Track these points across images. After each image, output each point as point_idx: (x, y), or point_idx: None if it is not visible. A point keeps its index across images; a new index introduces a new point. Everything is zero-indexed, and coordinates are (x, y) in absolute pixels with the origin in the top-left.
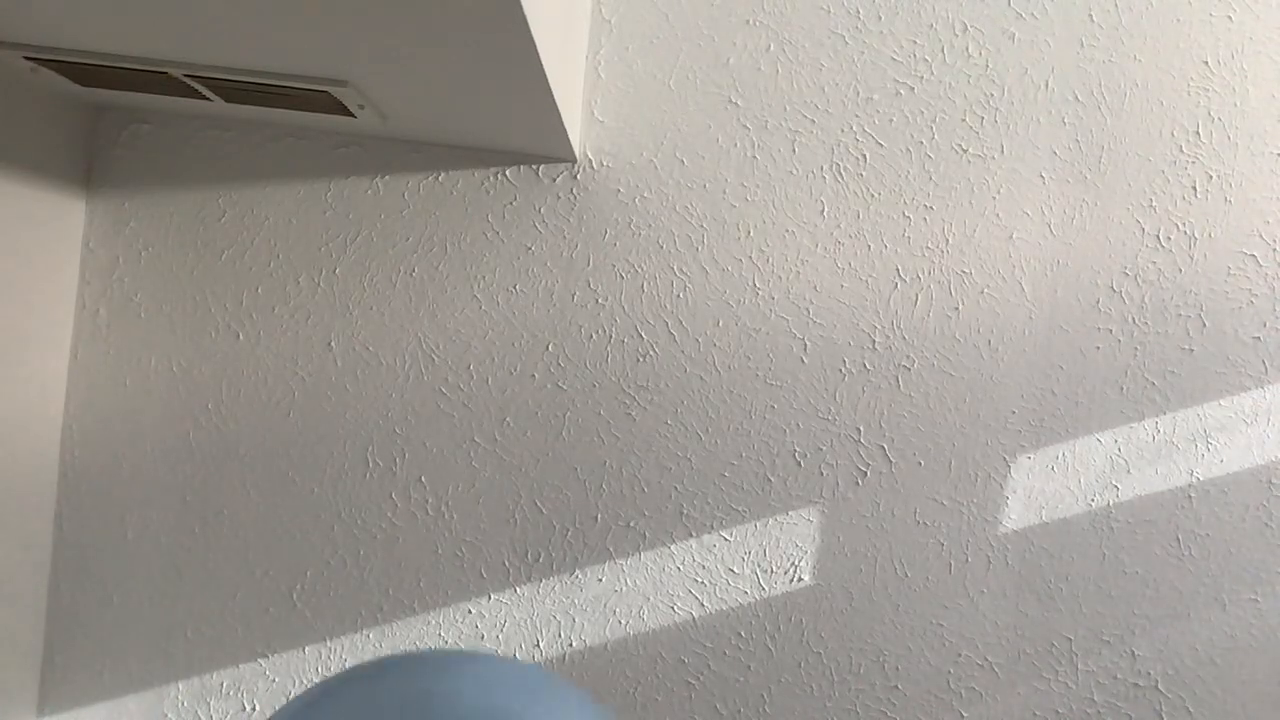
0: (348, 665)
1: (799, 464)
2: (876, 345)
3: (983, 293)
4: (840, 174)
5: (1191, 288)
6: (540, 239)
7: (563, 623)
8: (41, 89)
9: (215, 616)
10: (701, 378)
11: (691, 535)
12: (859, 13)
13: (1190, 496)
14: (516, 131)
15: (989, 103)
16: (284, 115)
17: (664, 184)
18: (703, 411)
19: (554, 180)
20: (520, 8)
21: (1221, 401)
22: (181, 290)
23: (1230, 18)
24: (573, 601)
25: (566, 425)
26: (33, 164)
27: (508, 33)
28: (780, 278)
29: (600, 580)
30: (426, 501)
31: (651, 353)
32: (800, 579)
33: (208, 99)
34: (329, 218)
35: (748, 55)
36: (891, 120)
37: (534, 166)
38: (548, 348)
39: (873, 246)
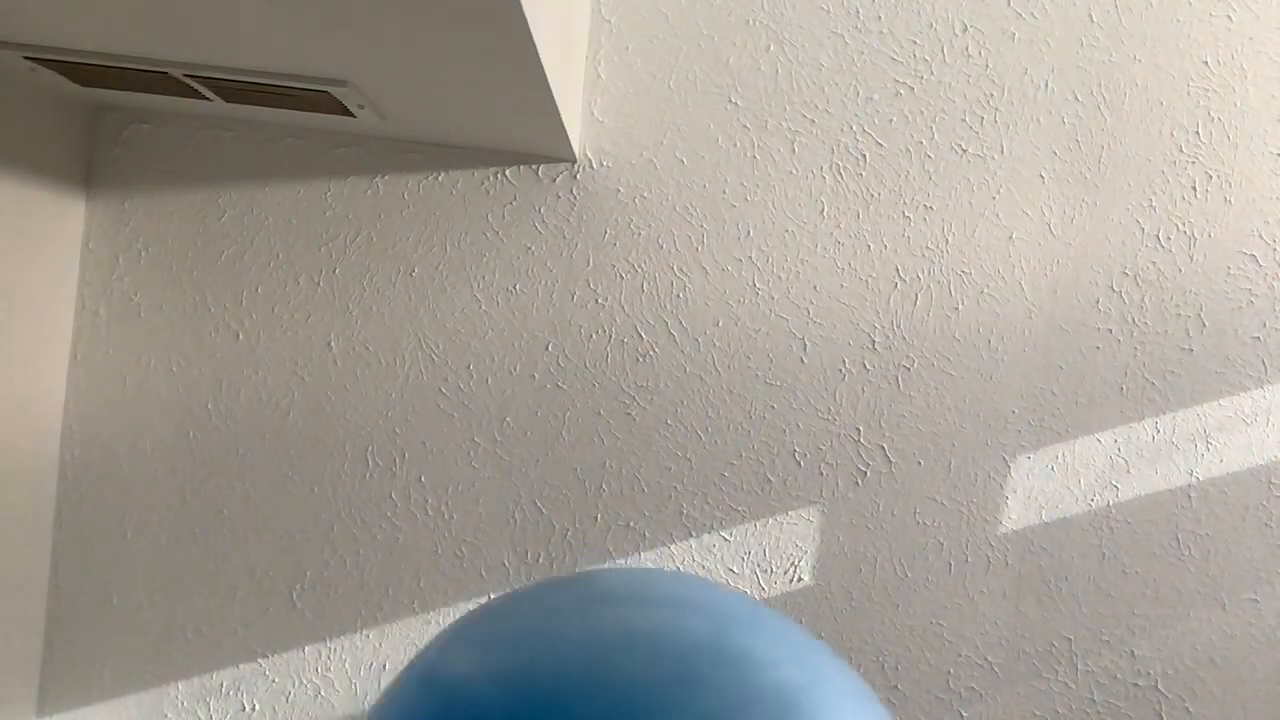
0: (347, 666)
1: (799, 464)
2: (876, 345)
3: (983, 293)
4: (840, 174)
5: (1191, 288)
6: (540, 239)
7: None
8: (41, 89)
9: (215, 616)
10: (701, 378)
11: (691, 535)
12: (859, 13)
13: (1190, 496)
14: (516, 131)
15: (989, 103)
16: (284, 115)
17: (664, 184)
18: (703, 411)
19: (554, 180)
20: (520, 8)
21: (1221, 401)
22: (181, 290)
23: (1230, 18)
24: None
25: (566, 425)
26: (33, 164)
27: (508, 33)
28: (780, 278)
29: None
30: (426, 501)
31: (651, 353)
32: (800, 579)
33: (208, 99)
34: (329, 218)
35: (748, 55)
36: (891, 120)
37: (534, 166)
38: (548, 348)
39: (873, 246)
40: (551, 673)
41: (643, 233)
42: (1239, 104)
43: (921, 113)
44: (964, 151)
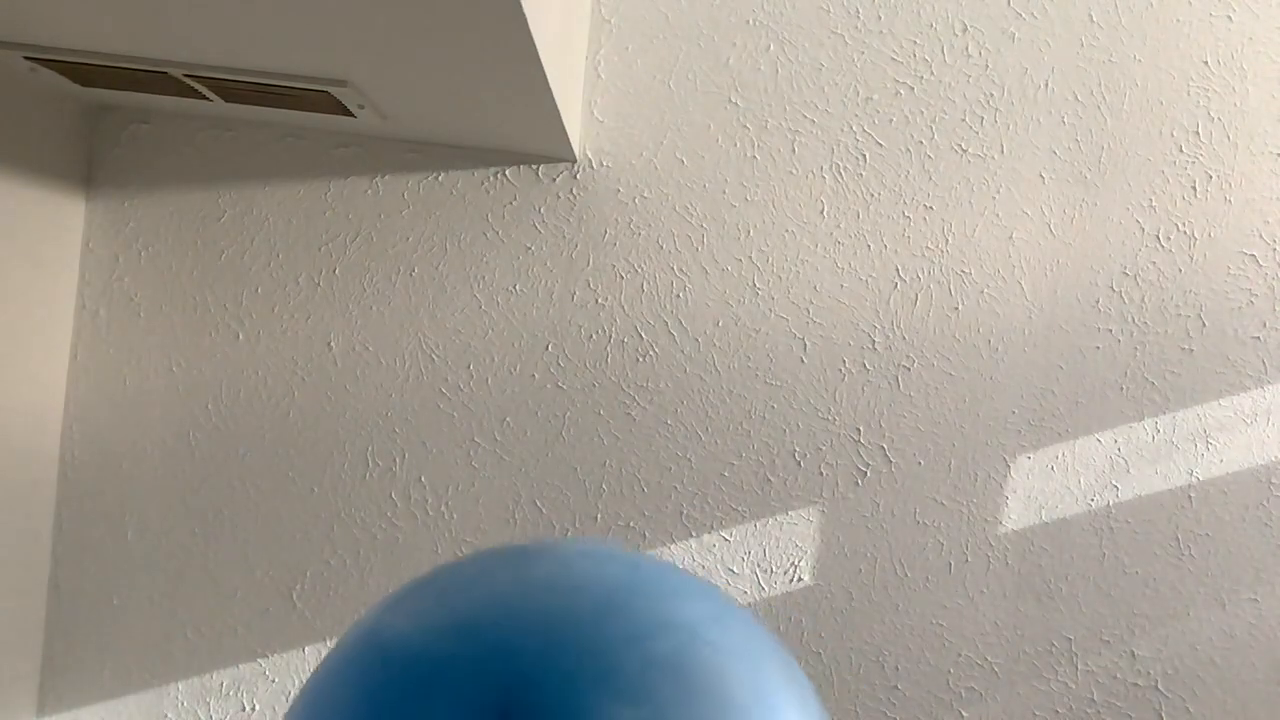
0: None
1: (799, 464)
2: (876, 345)
3: (983, 293)
4: (840, 174)
5: (1191, 288)
6: (540, 239)
7: None
8: (41, 89)
9: (215, 616)
10: (701, 378)
11: (691, 535)
12: (859, 13)
13: (1190, 496)
14: (516, 131)
15: (989, 103)
16: (284, 115)
17: (664, 184)
18: (703, 411)
19: (554, 180)
20: (520, 8)
21: (1221, 401)
22: (181, 290)
23: (1230, 18)
24: None
25: (566, 425)
26: (33, 164)
27: (508, 33)
28: (780, 278)
29: None
30: (426, 501)
31: (651, 353)
32: (800, 579)
33: (208, 99)
34: (329, 218)
35: (748, 55)
36: (891, 120)
37: (534, 166)
38: (548, 348)
39: (873, 246)
40: (481, 613)
41: (643, 233)
42: (1239, 104)
43: (921, 113)
44: (964, 151)
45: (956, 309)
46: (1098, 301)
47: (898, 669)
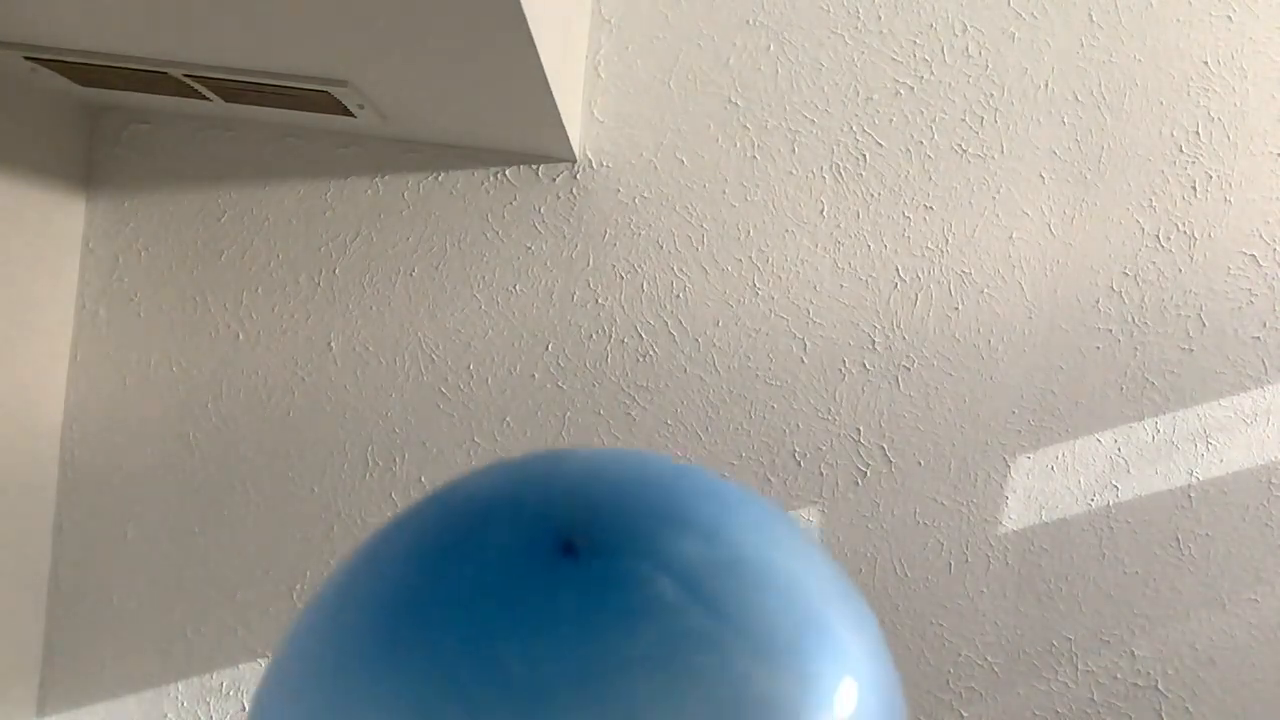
0: None
1: (799, 464)
2: (876, 345)
3: (983, 293)
4: (840, 174)
5: (1191, 288)
6: (540, 239)
7: None
8: (41, 89)
9: (215, 616)
10: (701, 378)
11: None
12: (859, 13)
13: (1190, 496)
14: (516, 131)
15: (989, 103)
16: (284, 115)
17: (664, 184)
18: (703, 411)
19: (554, 180)
20: (520, 8)
21: (1221, 401)
22: (181, 290)
23: (1230, 18)
24: None
25: (566, 425)
26: (33, 164)
27: (508, 33)
28: (780, 278)
29: None
30: None
31: (651, 353)
32: None
33: (208, 99)
34: (329, 218)
35: (748, 55)
36: (891, 120)
37: (534, 166)
38: (548, 348)
39: (873, 246)
40: (549, 467)
41: (643, 233)
42: (1239, 104)
43: (921, 113)
44: (964, 151)
45: (956, 309)
46: (1098, 301)
47: (898, 669)
